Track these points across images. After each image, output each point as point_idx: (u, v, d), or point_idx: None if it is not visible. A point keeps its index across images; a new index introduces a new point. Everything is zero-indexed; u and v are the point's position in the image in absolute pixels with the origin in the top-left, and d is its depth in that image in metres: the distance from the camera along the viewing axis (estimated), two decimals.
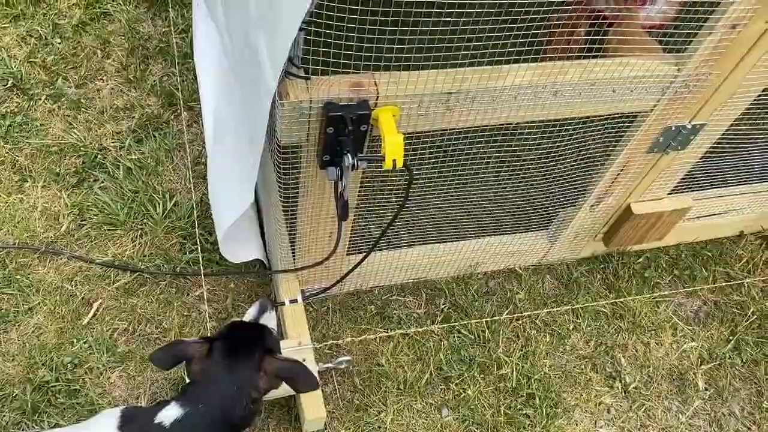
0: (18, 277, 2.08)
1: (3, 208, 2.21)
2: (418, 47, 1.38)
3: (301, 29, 1.28)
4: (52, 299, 2.07)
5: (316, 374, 1.91)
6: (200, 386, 1.39)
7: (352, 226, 1.92)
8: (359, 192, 1.76)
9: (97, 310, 2.08)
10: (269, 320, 1.58)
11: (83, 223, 2.22)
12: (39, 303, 2.06)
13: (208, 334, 2.05)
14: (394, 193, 2.03)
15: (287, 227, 1.85)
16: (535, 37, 1.45)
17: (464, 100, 1.49)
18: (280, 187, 1.66)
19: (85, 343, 2.01)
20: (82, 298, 2.09)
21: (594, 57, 1.54)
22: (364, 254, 1.85)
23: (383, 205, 1.98)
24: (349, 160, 1.43)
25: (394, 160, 1.41)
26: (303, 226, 1.83)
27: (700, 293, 2.42)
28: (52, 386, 1.92)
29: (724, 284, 2.44)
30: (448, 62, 1.43)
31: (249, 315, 1.61)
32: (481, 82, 1.46)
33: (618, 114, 1.69)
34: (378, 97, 1.41)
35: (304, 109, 1.40)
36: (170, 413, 1.31)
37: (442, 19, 1.32)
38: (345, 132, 1.41)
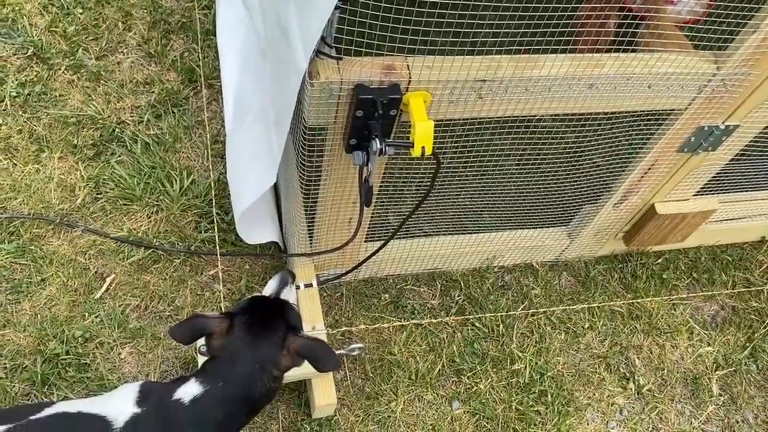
0: (32, 248, 2.06)
1: (19, 178, 2.18)
2: (453, 31, 1.34)
3: (336, 7, 1.25)
4: (65, 272, 2.05)
5: None
6: (221, 363, 1.36)
7: (372, 214, 1.89)
8: (380, 178, 1.73)
9: (110, 284, 2.06)
10: (289, 295, 1.55)
11: (99, 196, 2.20)
12: (52, 275, 2.04)
13: (222, 306, 2.03)
14: (416, 181, 2.00)
15: (306, 211, 1.82)
16: (565, 28, 1.41)
17: (497, 89, 1.46)
18: (302, 169, 1.63)
19: (96, 317, 2.00)
20: (96, 272, 2.07)
21: (623, 52, 1.50)
22: (383, 242, 1.83)
23: (403, 193, 1.95)
24: (376, 145, 1.39)
25: (423, 148, 1.38)
26: (323, 211, 1.81)
27: (719, 297, 2.39)
28: (62, 359, 1.91)
29: (743, 290, 2.41)
30: (484, 49, 1.40)
31: (269, 288, 1.57)
32: (516, 71, 1.42)
33: (651, 111, 1.65)
34: (410, 81, 1.38)
35: (334, 90, 1.37)
36: (189, 390, 1.29)
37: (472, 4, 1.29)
38: (374, 116, 1.38)
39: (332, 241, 1.94)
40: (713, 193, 2.16)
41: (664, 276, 2.38)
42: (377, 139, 1.40)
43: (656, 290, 2.35)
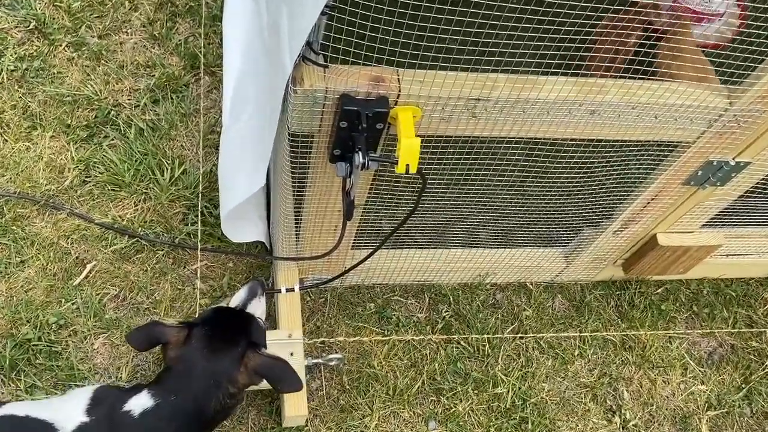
0: (14, 227, 2.02)
1: (8, 154, 2.14)
2: (448, 46, 1.26)
3: (323, 13, 1.18)
4: (45, 255, 2.01)
5: (303, 369, 1.85)
6: (175, 375, 1.31)
7: (360, 220, 1.83)
8: (371, 185, 1.66)
9: (90, 271, 2.02)
10: (257, 307, 1.48)
11: (87, 179, 2.15)
12: (32, 257, 2.00)
13: (198, 312, 1.99)
14: (408, 191, 1.93)
15: (293, 214, 1.76)
16: (580, 44, 1.33)
17: (492, 109, 1.38)
18: (287, 174, 1.57)
19: (73, 304, 1.96)
20: (77, 257, 2.03)
21: (642, 72, 1.41)
22: (368, 254, 1.76)
23: (395, 202, 1.88)
24: (359, 158, 1.33)
25: (407, 165, 1.31)
26: (308, 216, 1.74)
27: (718, 334, 2.30)
28: (33, 345, 1.87)
29: (744, 329, 2.31)
30: (479, 66, 1.32)
31: (237, 299, 1.51)
32: (513, 91, 1.34)
33: (657, 141, 1.57)
34: (399, 95, 1.31)
35: (318, 98, 1.30)
36: (141, 402, 1.24)
37: (475, 20, 1.20)
38: (358, 128, 1.31)
39: (317, 247, 1.88)
40: (720, 226, 2.07)
41: (663, 307, 2.29)
42: (360, 153, 1.33)
43: (653, 321, 2.26)
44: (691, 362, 2.23)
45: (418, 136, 1.43)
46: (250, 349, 1.31)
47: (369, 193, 1.69)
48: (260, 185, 1.63)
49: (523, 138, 1.50)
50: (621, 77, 1.45)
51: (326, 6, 1.15)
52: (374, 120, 1.31)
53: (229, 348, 1.28)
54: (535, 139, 1.51)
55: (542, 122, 1.44)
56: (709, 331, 2.27)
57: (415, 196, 1.46)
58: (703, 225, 2.02)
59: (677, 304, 2.32)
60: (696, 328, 2.29)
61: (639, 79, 1.41)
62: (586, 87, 1.38)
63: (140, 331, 1.32)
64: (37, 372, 1.85)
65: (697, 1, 2.16)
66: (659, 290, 2.33)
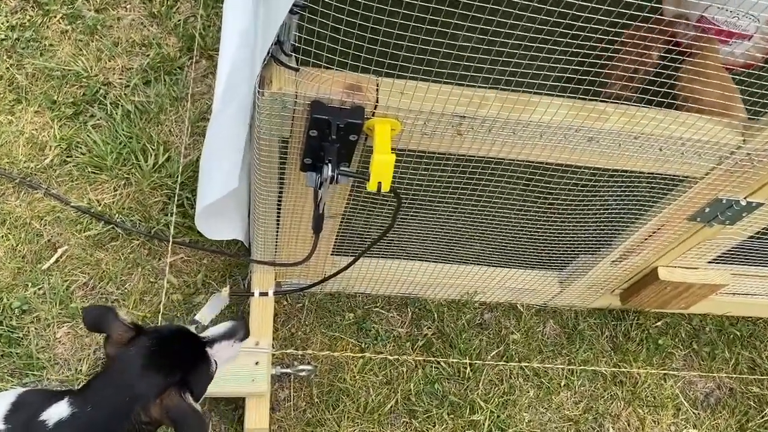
0: None
1: None
2: (430, 58, 1.14)
3: (293, 12, 1.07)
4: (17, 235, 1.94)
5: (268, 379, 1.75)
6: (98, 382, 1.19)
7: (341, 226, 1.72)
8: (351, 191, 1.56)
9: (61, 256, 1.94)
10: (225, 351, 1.32)
11: (68, 159, 2.07)
12: (2, 236, 1.93)
13: (163, 306, 1.90)
14: (390, 201, 1.82)
15: (271, 216, 1.66)
16: (595, 59, 1.21)
17: (479, 128, 1.26)
18: (261, 176, 1.47)
19: (39, 289, 1.88)
20: (48, 240, 1.95)
21: (660, 90, 1.28)
22: (344, 266, 1.66)
23: (376, 210, 1.77)
24: (328, 171, 1.22)
25: (379, 183, 1.20)
26: (284, 221, 1.64)
27: (717, 376, 2.16)
28: None
29: (746, 372, 2.18)
30: (468, 74, 1.19)
31: (213, 330, 1.32)
32: (502, 111, 1.22)
33: (660, 174, 1.44)
34: (377, 105, 1.20)
35: (288, 102, 1.19)
36: (59, 410, 1.13)
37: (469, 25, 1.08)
38: (329, 139, 1.20)
39: (294, 251, 1.78)
40: (727, 263, 1.93)
41: (661, 341, 2.16)
42: (330, 165, 1.22)
43: (648, 356, 2.13)
44: (685, 403, 2.10)
45: (399, 149, 1.33)
46: (176, 387, 1.17)
47: (350, 198, 1.59)
48: (233, 186, 1.53)
49: (513, 160, 1.38)
50: (639, 97, 1.32)
51: (296, 5, 1.04)
52: (347, 131, 1.20)
53: (159, 374, 1.15)
54: (527, 162, 1.39)
55: (534, 145, 1.32)
56: (708, 373, 2.14)
57: (403, 200, 1.34)
58: (710, 260, 1.89)
59: (676, 340, 2.19)
60: (694, 367, 2.16)
61: (659, 100, 1.28)
62: (585, 111, 1.25)
63: (97, 310, 1.21)
64: None
65: (724, 19, 2.01)
66: (658, 323, 2.20)
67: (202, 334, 1.31)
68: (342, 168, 1.24)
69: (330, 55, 1.11)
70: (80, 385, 1.24)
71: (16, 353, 1.79)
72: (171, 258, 1.99)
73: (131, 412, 1.12)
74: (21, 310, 1.84)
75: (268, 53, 1.14)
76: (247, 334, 1.36)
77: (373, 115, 1.21)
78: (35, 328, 1.84)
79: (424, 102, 1.19)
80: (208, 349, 1.26)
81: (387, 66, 1.12)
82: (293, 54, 1.16)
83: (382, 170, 1.18)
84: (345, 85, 1.18)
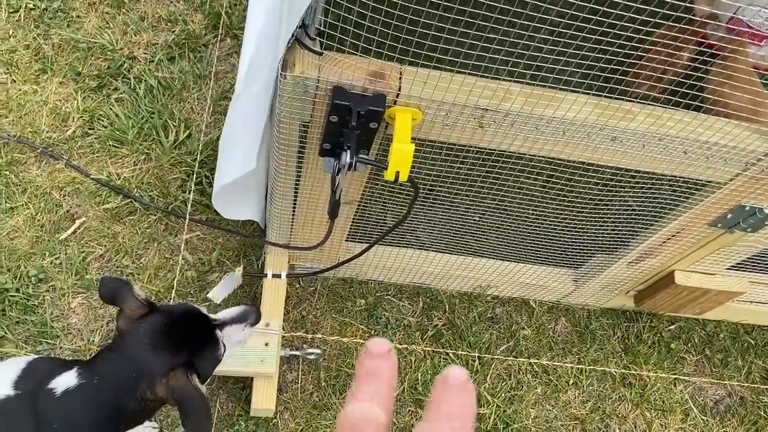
0: (8, 172, 1.97)
1: (14, 96, 2.08)
2: (456, 47, 1.13)
3: None
4: (36, 204, 1.96)
5: (277, 360, 1.76)
6: (107, 353, 1.19)
7: (357, 212, 1.72)
8: (369, 176, 1.55)
9: (79, 227, 1.96)
10: (236, 334, 1.31)
11: (90, 132, 2.08)
12: (22, 205, 1.95)
13: (176, 282, 1.91)
14: (406, 190, 1.81)
15: (288, 199, 1.66)
16: (624, 58, 1.18)
17: (501, 121, 1.25)
18: (279, 159, 1.47)
19: (56, 259, 1.90)
20: (67, 211, 1.97)
21: (688, 92, 1.26)
22: (357, 253, 1.66)
23: (394, 197, 1.76)
24: (346, 158, 1.21)
25: (397, 173, 1.19)
26: (301, 205, 1.64)
27: (728, 383, 2.14)
28: (10, 296, 1.82)
29: (758, 381, 2.15)
30: (492, 67, 1.17)
31: (224, 313, 1.32)
32: (526, 105, 1.21)
33: (683, 178, 1.42)
34: (399, 94, 1.18)
35: (310, 87, 1.19)
36: (67, 380, 1.14)
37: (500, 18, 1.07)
38: (349, 125, 1.20)
39: (309, 236, 1.78)
40: (746, 271, 1.90)
41: (673, 346, 2.14)
42: (348, 152, 1.22)
43: (659, 359, 2.11)
44: (694, 408, 2.09)
45: (419, 139, 1.32)
46: (183, 368, 1.18)
47: (367, 185, 1.58)
48: (251, 167, 1.53)
49: (534, 155, 1.36)
50: (667, 98, 1.30)
51: None
52: (367, 118, 1.19)
53: (167, 353, 1.16)
54: (548, 158, 1.37)
55: (557, 142, 1.30)
56: (719, 381, 2.11)
57: (420, 192, 1.33)
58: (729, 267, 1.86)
59: (689, 345, 2.17)
60: (705, 373, 2.14)
61: (687, 102, 1.26)
62: (610, 110, 1.23)
63: (113, 282, 1.21)
64: (10, 324, 1.80)
65: (758, 21, 1.97)
66: (672, 327, 2.18)
67: (213, 317, 1.31)
68: (361, 155, 1.24)
69: (354, 41, 1.10)
70: (90, 356, 1.25)
71: (31, 321, 1.82)
72: (187, 235, 2.00)
73: (137, 388, 1.13)
74: (37, 278, 1.87)
75: (293, 36, 1.13)
76: (258, 319, 1.36)
77: (394, 104, 1.20)
78: (50, 297, 1.86)
79: (447, 93, 1.18)
80: (218, 332, 1.26)
81: (411, 55, 1.11)
82: (317, 38, 1.15)
83: (400, 159, 1.17)
84: (368, 72, 1.17)
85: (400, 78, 1.18)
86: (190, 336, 1.21)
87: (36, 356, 1.26)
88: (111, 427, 1.16)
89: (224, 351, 1.27)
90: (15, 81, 2.10)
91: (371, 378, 0.44)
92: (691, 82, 1.30)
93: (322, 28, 1.13)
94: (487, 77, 1.16)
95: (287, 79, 1.17)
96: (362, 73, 1.17)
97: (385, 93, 1.18)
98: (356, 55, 1.14)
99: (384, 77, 1.17)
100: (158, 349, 1.15)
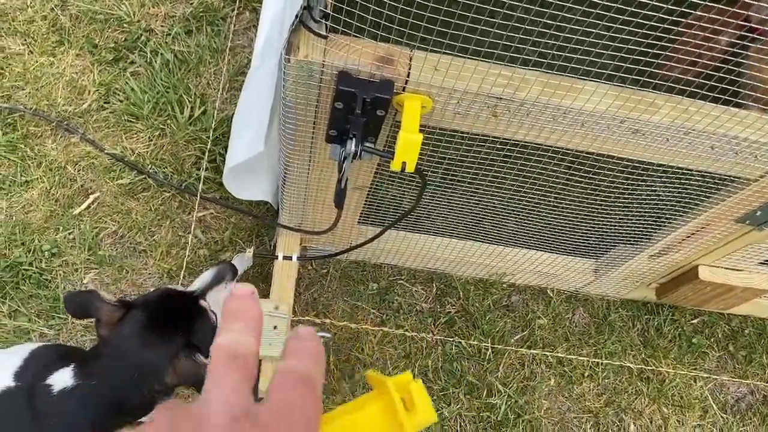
0: (23, 145, 1.96)
1: (31, 67, 2.07)
2: (468, 32, 1.06)
3: None
4: (51, 178, 1.95)
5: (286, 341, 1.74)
6: (101, 358, 1.17)
7: (369, 194, 1.67)
8: (379, 162, 1.50)
9: (93, 203, 1.95)
10: (219, 295, 1.32)
11: (106, 105, 2.06)
12: (37, 178, 1.95)
13: (188, 260, 1.90)
14: (434, 162, 1.75)
15: (302, 181, 1.62)
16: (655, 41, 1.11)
17: (516, 111, 1.18)
18: (288, 141, 1.42)
19: (70, 234, 1.90)
20: (82, 185, 1.96)
21: (724, 78, 1.18)
22: (368, 239, 1.62)
23: (405, 183, 1.71)
24: (351, 146, 1.17)
25: (404, 163, 1.15)
26: (311, 188, 1.60)
27: (751, 382, 2.07)
28: (24, 269, 1.83)
29: None
30: (507, 54, 1.11)
31: (200, 281, 1.33)
32: (543, 94, 1.14)
33: (710, 173, 1.34)
34: (407, 80, 1.13)
35: (315, 71, 1.14)
36: (63, 377, 1.13)
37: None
38: (354, 112, 1.15)
39: (321, 219, 1.74)
40: None
41: (695, 340, 2.07)
42: (354, 140, 1.17)
43: (679, 354, 2.05)
44: (713, 405, 2.02)
45: (429, 126, 1.26)
46: (184, 350, 1.15)
47: (378, 170, 1.53)
48: (259, 150, 1.50)
49: (551, 146, 1.30)
50: (701, 82, 1.22)
51: None
52: (374, 106, 1.14)
53: (163, 344, 1.13)
54: (565, 149, 1.31)
55: (575, 133, 1.23)
56: (742, 380, 2.04)
57: (432, 179, 1.29)
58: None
59: (712, 340, 2.09)
60: (728, 369, 2.07)
61: (723, 88, 1.18)
62: (632, 102, 1.16)
63: (78, 297, 1.18)
64: (23, 298, 1.81)
65: None
66: (694, 321, 2.11)
67: (190, 289, 1.30)
68: (366, 144, 1.19)
69: (360, 24, 1.04)
70: (88, 349, 1.24)
71: (44, 295, 1.82)
72: (200, 213, 1.98)
73: (142, 386, 1.12)
74: (50, 253, 1.87)
75: (297, 18, 1.08)
76: (235, 273, 1.36)
77: (403, 90, 1.15)
78: (63, 272, 1.86)
79: (458, 80, 1.12)
80: (201, 302, 1.24)
81: (420, 40, 1.05)
82: (323, 20, 1.10)
83: (407, 150, 1.13)
84: (375, 57, 1.11)
85: (410, 64, 1.12)
86: (177, 318, 1.19)
87: (38, 344, 1.25)
88: (111, 422, 1.15)
89: (216, 317, 1.25)
90: (32, 52, 2.09)
91: (238, 316, 0.46)
92: (729, 67, 1.21)
93: (327, 11, 1.08)
94: (502, 64, 1.09)
95: (291, 63, 1.13)
96: (369, 57, 1.11)
97: (392, 79, 1.13)
98: (363, 39, 1.08)
99: (392, 62, 1.12)
100: (153, 345, 1.13)
